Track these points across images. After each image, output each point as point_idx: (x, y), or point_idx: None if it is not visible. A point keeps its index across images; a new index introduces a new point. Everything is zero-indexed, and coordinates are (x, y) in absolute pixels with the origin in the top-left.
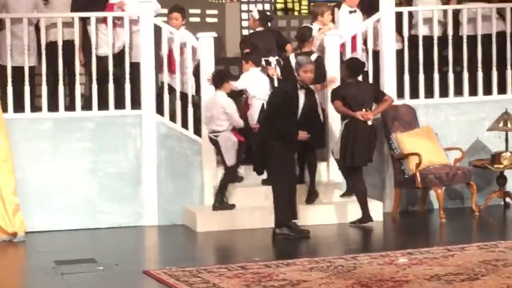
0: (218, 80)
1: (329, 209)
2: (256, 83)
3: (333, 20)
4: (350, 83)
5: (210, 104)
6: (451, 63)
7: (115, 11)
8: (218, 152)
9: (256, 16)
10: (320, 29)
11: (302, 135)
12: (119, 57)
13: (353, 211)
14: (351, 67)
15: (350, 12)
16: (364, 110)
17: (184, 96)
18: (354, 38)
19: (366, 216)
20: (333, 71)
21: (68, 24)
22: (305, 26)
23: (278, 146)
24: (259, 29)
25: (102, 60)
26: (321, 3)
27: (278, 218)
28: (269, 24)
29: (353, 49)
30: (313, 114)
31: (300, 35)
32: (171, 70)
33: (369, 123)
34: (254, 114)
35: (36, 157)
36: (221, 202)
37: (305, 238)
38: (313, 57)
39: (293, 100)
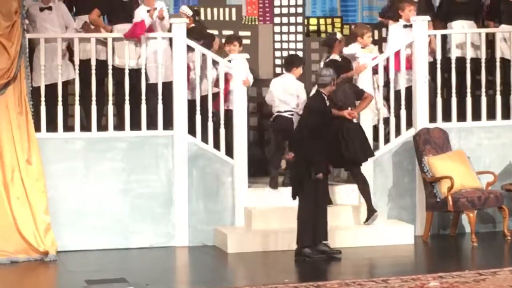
0: (289, 63)
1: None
2: None
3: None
4: (336, 85)
5: (280, 85)
6: (484, 86)
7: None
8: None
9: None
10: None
11: (320, 175)
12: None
13: (381, 233)
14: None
15: (405, 26)
16: (349, 108)
17: (216, 116)
18: (397, 54)
19: (372, 209)
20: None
21: (100, 43)
22: (330, 33)
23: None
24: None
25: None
26: (361, 25)
27: (301, 239)
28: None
29: (396, 67)
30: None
31: (326, 42)
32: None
33: (355, 121)
34: None
35: (68, 176)
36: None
37: (335, 259)
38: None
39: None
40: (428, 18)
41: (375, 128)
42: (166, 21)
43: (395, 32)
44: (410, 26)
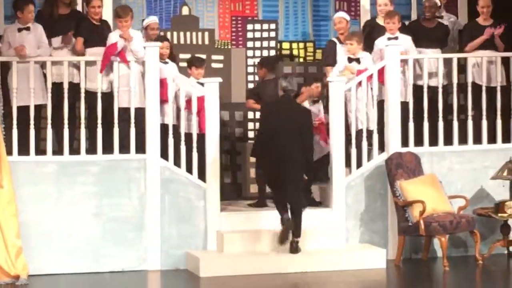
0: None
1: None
2: None
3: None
4: (266, 81)
5: None
6: (456, 111)
7: (118, 46)
8: None
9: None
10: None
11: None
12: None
13: (353, 257)
14: (267, 64)
15: (389, 38)
16: None
17: (188, 139)
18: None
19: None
20: (335, 117)
21: (74, 66)
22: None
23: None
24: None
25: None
26: (352, 32)
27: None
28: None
29: (380, 79)
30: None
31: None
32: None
33: None
34: None
35: (40, 200)
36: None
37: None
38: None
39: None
40: (407, 39)
41: (347, 152)
42: (136, 45)
43: (379, 46)
44: (395, 38)
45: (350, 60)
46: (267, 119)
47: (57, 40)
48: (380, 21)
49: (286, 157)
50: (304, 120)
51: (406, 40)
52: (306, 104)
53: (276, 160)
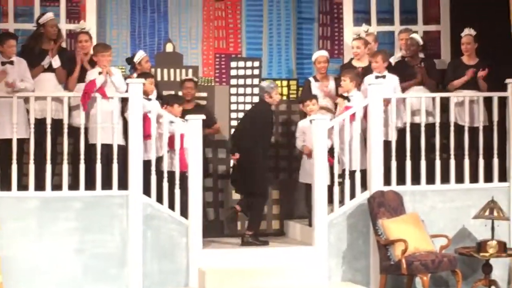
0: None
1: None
2: None
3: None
4: None
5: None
6: (438, 151)
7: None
8: None
9: None
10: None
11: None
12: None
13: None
14: None
15: (377, 77)
16: None
17: (171, 176)
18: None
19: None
20: (318, 154)
21: (57, 102)
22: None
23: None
24: None
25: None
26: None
27: (254, 226)
28: None
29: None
30: None
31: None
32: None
33: None
34: None
35: (22, 235)
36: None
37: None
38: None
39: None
40: (394, 79)
41: (330, 189)
42: (117, 80)
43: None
44: (383, 77)
45: (342, 97)
46: None
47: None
48: (356, 63)
49: None
50: None
51: (392, 80)
52: None
53: None
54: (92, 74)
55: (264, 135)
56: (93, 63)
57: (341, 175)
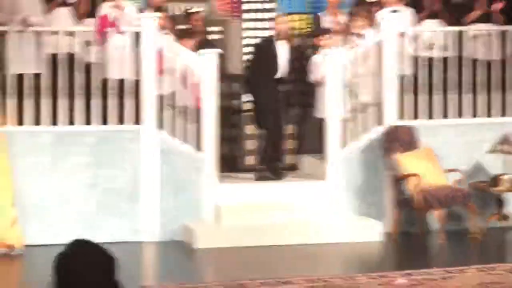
0: None
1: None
2: None
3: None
4: None
5: None
6: (452, 85)
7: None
8: None
9: None
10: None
11: None
12: None
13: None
14: None
15: (392, 11)
16: None
17: (185, 111)
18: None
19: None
20: (332, 88)
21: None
22: None
23: None
24: None
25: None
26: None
27: (264, 161)
28: None
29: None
30: None
31: None
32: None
33: None
34: None
35: (35, 170)
36: None
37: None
38: None
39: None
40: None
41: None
42: (129, 15)
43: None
44: (397, 11)
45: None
46: None
47: None
48: None
49: None
50: None
51: (407, 13)
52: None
53: None
54: (104, 8)
55: (262, 69)
56: None
57: (355, 110)
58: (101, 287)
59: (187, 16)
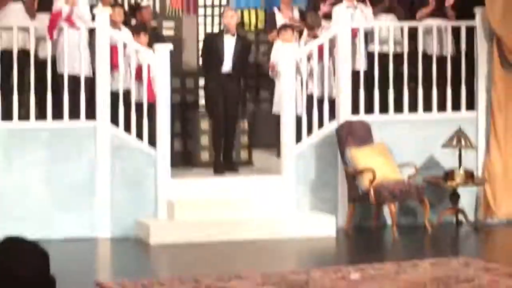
0: None
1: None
2: None
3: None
4: None
5: None
6: (406, 80)
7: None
8: None
9: None
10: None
11: None
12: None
13: (302, 225)
14: None
15: (348, 7)
16: None
17: (139, 106)
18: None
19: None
20: (286, 81)
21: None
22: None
23: None
24: None
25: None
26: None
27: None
28: None
29: (319, 59)
30: None
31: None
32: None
33: None
34: None
35: None
36: None
37: None
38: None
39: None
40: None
41: (298, 118)
42: (81, 10)
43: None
44: (354, 8)
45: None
46: None
47: None
48: None
49: None
50: None
51: (364, 10)
52: None
53: None
54: (59, 3)
55: (208, 63)
56: None
57: (309, 105)
58: (34, 283)
59: (136, 10)
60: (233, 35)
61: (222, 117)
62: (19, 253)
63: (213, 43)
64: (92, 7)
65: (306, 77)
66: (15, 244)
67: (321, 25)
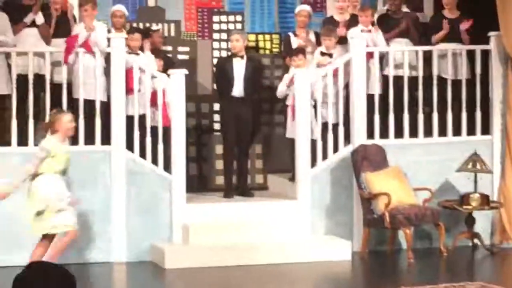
0: None
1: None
2: None
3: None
4: None
5: None
6: (421, 104)
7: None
8: None
9: None
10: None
11: None
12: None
13: (318, 249)
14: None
15: (362, 31)
16: None
17: (154, 131)
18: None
19: None
20: (302, 107)
21: (39, 58)
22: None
23: None
24: None
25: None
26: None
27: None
28: None
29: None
30: None
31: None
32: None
33: None
34: None
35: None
36: None
37: None
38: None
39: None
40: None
41: (313, 143)
42: (98, 36)
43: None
44: (369, 31)
45: (322, 54)
46: None
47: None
48: (337, 17)
49: None
50: None
51: (377, 34)
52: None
53: None
54: (78, 28)
55: (220, 88)
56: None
57: (324, 130)
58: None
59: (147, 34)
60: (242, 58)
61: (234, 142)
62: (45, 278)
63: (223, 67)
64: (109, 31)
65: (321, 101)
66: (41, 269)
67: (331, 36)
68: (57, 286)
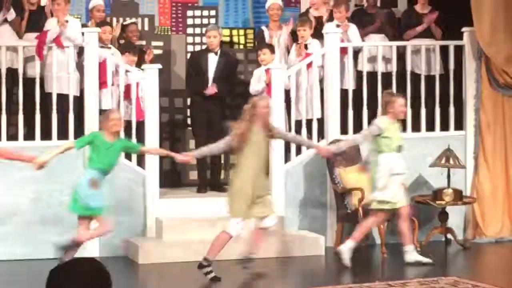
0: None
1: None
2: None
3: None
4: None
5: None
6: None
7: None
8: None
9: None
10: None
11: None
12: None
13: (291, 245)
14: None
15: (338, 26)
16: None
17: (128, 126)
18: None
19: None
20: (276, 104)
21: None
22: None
23: None
24: None
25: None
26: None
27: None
28: None
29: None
30: None
31: None
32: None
33: None
34: None
35: None
36: None
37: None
38: None
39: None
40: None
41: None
42: (72, 31)
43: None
44: (343, 26)
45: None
46: None
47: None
48: (313, 12)
49: None
50: None
51: (352, 29)
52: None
53: None
54: (51, 23)
55: (192, 82)
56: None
57: (298, 124)
58: None
59: (122, 28)
60: (216, 53)
61: (205, 136)
62: (80, 272)
63: (197, 61)
64: (82, 25)
65: (294, 97)
66: (77, 263)
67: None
68: (93, 279)
